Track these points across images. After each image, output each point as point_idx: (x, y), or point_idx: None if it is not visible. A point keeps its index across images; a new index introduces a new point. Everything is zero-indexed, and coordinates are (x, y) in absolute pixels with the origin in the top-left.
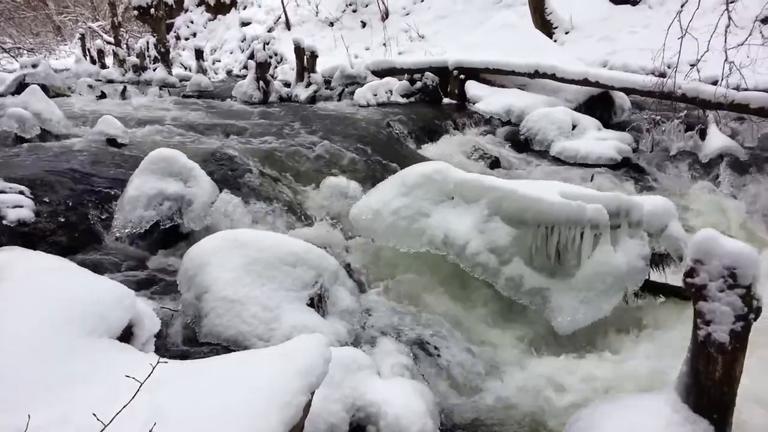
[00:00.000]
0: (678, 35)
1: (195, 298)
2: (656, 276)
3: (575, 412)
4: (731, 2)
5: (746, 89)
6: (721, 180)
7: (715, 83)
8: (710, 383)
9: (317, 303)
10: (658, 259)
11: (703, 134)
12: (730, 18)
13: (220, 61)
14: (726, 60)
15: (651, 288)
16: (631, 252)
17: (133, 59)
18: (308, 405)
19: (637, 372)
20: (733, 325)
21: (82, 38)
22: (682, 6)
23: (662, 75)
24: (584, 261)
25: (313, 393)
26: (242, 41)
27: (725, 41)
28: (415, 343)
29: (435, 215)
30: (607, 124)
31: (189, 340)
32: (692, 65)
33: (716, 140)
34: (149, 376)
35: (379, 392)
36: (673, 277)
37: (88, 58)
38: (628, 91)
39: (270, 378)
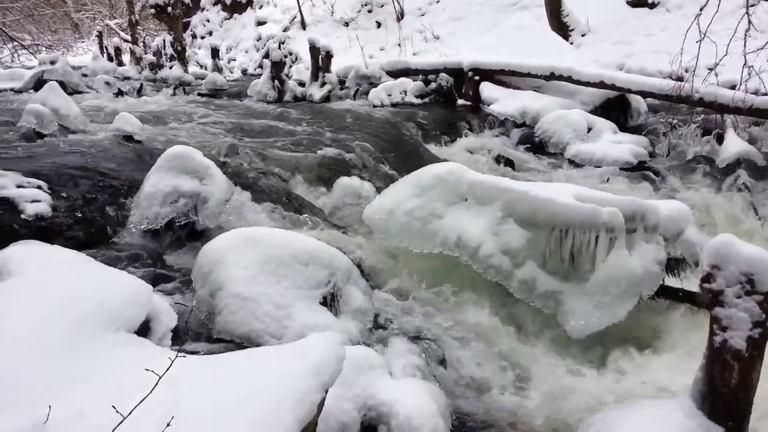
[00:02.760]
0: (696, 39)
1: (209, 294)
2: (672, 281)
3: (587, 418)
4: (751, 6)
5: (765, 94)
6: (738, 185)
7: (733, 87)
8: (726, 390)
9: (330, 302)
10: (673, 264)
11: (720, 139)
12: (750, 22)
13: (235, 59)
14: (745, 64)
15: (666, 293)
16: (646, 256)
17: (150, 57)
18: (322, 403)
19: (650, 377)
20: (750, 331)
21: (100, 36)
22: (701, 9)
23: (680, 79)
24: (599, 265)
25: (326, 391)
26: (258, 40)
27: (745, 45)
28: (427, 344)
29: (448, 216)
30: (623, 127)
31: (202, 336)
32: (710, 69)
33: (734, 145)
34: (168, 369)
35: (390, 392)
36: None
37: (105, 55)
38: (644, 94)
39: (283, 375)
